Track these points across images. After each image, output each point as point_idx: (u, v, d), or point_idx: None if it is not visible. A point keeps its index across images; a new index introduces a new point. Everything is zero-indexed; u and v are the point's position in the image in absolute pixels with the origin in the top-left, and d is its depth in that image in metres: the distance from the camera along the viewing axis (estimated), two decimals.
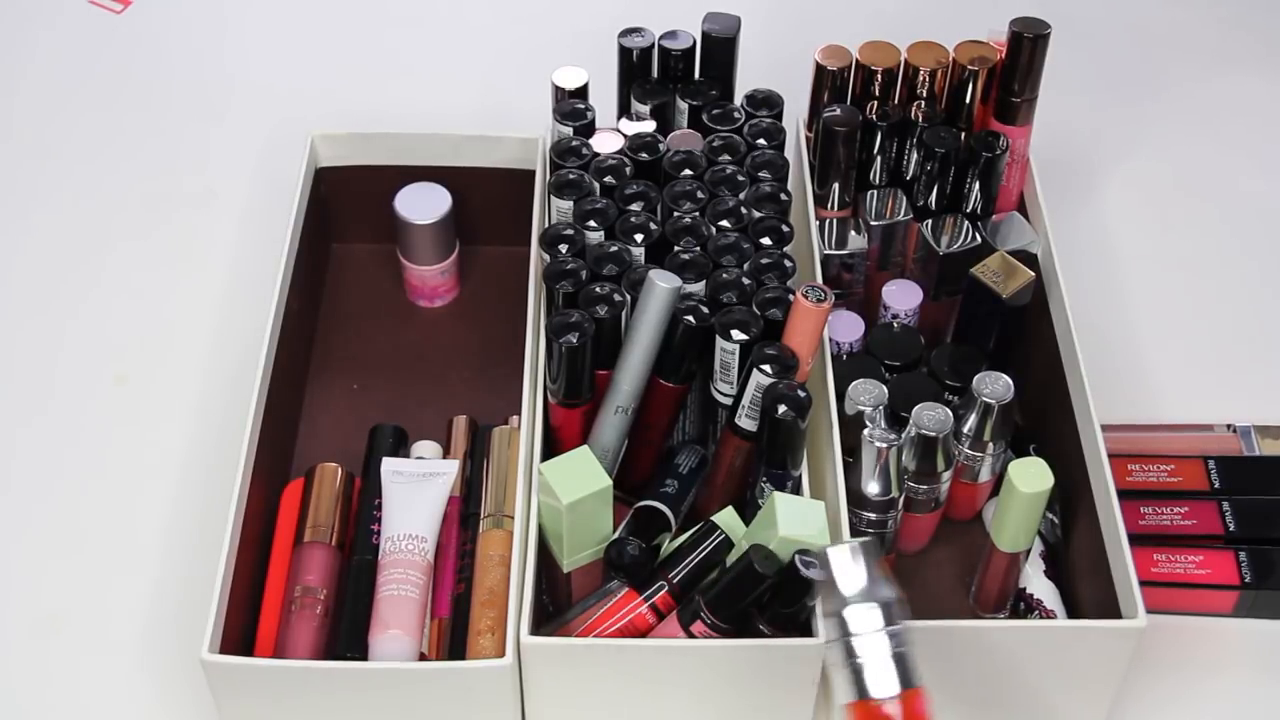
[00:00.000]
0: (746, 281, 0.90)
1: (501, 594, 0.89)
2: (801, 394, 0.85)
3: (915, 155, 1.04)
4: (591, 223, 0.95)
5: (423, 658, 0.89)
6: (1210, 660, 0.95)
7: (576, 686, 0.86)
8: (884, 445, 0.89)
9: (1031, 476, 0.88)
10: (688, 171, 0.98)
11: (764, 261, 0.92)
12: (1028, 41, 1.01)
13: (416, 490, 0.95)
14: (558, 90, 1.04)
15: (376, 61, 1.34)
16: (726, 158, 0.99)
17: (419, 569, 0.91)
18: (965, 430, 0.94)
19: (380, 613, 0.89)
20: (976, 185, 1.03)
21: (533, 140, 1.09)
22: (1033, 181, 1.07)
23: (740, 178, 0.97)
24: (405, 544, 0.92)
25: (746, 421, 0.88)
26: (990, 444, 0.94)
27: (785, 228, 0.95)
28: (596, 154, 1.00)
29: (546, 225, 0.97)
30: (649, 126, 1.03)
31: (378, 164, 1.12)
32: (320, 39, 1.37)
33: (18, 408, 1.08)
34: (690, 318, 0.88)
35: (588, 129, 1.02)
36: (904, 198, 1.04)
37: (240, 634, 0.89)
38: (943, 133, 1.02)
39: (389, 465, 0.96)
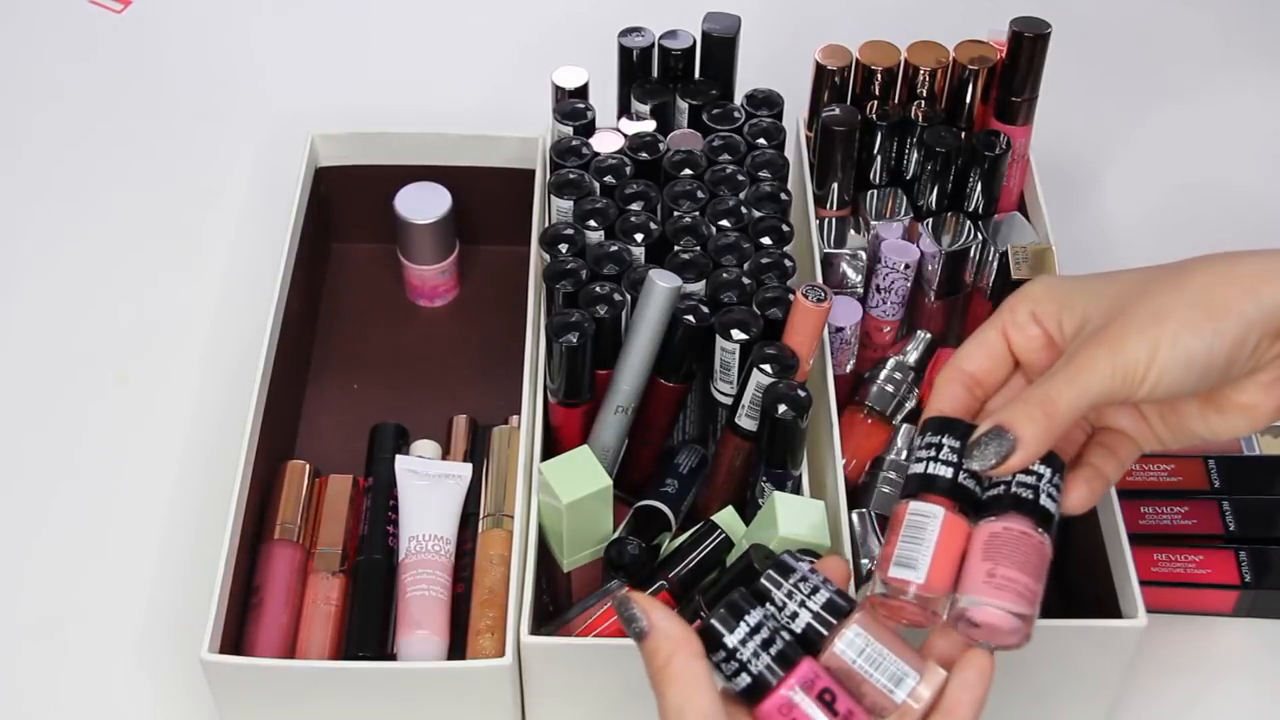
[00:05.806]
0: (746, 281, 0.90)
1: (501, 594, 0.89)
2: (801, 393, 0.85)
3: (915, 155, 1.04)
4: (591, 222, 0.95)
5: None
6: (1210, 660, 0.95)
7: (576, 686, 0.86)
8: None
9: None
10: (688, 171, 0.98)
11: (764, 261, 0.92)
12: (1028, 41, 1.01)
13: (435, 491, 0.95)
14: (558, 90, 1.03)
15: (376, 61, 1.34)
16: (726, 157, 0.99)
17: (444, 569, 0.91)
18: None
19: (410, 613, 0.89)
20: (978, 185, 1.03)
21: (533, 140, 1.09)
22: (1033, 181, 1.07)
23: (740, 177, 0.97)
24: (430, 544, 0.92)
25: (746, 421, 0.88)
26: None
27: (785, 227, 0.95)
28: (596, 154, 0.99)
29: (546, 225, 0.96)
30: (649, 126, 1.03)
31: (378, 164, 1.12)
32: (320, 39, 1.37)
33: (17, 407, 1.08)
34: (690, 317, 0.88)
35: (588, 129, 1.02)
36: (904, 197, 1.04)
37: (240, 634, 0.89)
38: (943, 132, 1.02)
39: (403, 464, 0.96)
